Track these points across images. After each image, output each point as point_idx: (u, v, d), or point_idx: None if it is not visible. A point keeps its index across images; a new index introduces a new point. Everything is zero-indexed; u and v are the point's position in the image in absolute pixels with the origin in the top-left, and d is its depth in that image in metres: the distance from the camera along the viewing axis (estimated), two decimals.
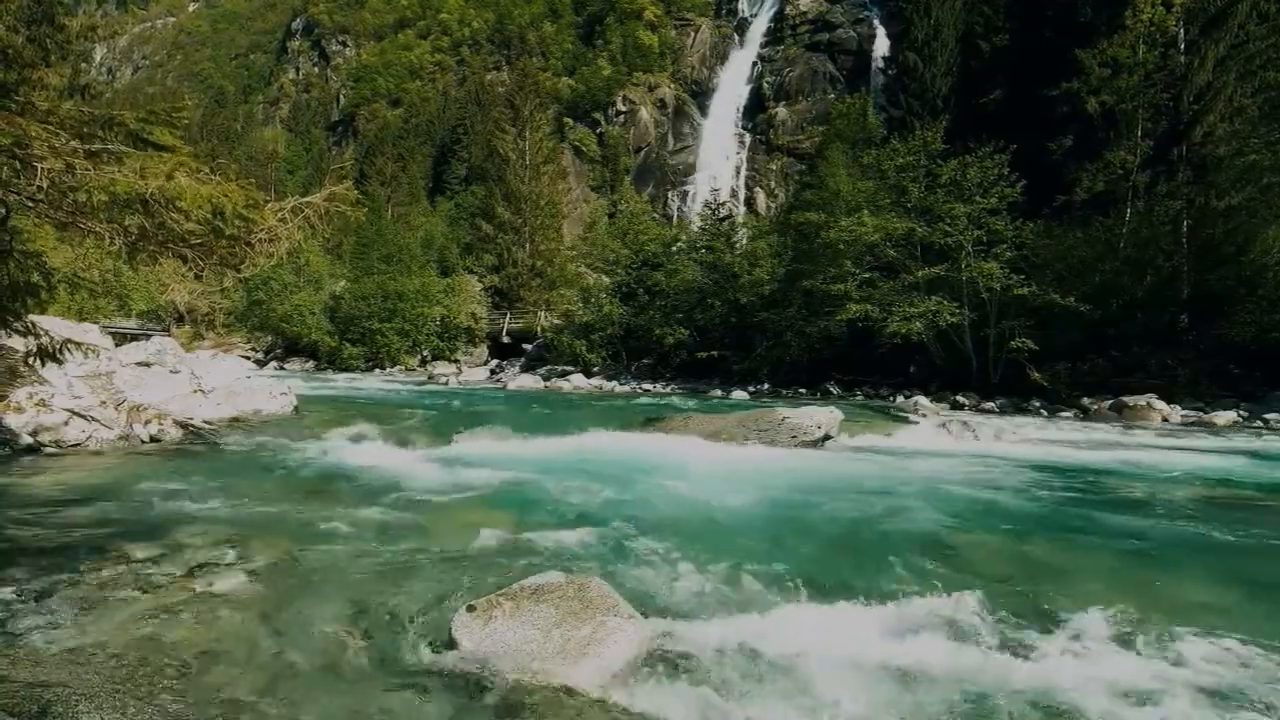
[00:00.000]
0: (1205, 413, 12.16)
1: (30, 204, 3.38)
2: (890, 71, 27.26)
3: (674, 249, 27.18)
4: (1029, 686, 2.37)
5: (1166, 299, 15.38)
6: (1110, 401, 13.05)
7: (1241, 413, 12.00)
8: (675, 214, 54.29)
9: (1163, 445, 8.79)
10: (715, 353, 21.95)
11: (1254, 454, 8.11)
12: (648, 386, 21.76)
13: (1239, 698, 2.32)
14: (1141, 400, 12.53)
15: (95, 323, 17.64)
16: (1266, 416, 11.45)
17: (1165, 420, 11.87)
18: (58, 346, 4.69)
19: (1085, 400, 13.71)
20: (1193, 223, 15.47)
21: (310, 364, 33.18)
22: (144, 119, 3.54)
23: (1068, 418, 12.76)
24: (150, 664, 2.39)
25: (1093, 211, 16.71)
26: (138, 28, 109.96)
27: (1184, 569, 3.84)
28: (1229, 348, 14.04)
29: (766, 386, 19.81)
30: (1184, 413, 12.27)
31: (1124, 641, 2.72)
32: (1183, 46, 16.55)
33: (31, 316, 4.97)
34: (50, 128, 3.18)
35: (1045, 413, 13.49)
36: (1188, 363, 14.26)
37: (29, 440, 6.62)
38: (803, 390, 18.67)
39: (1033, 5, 21.25)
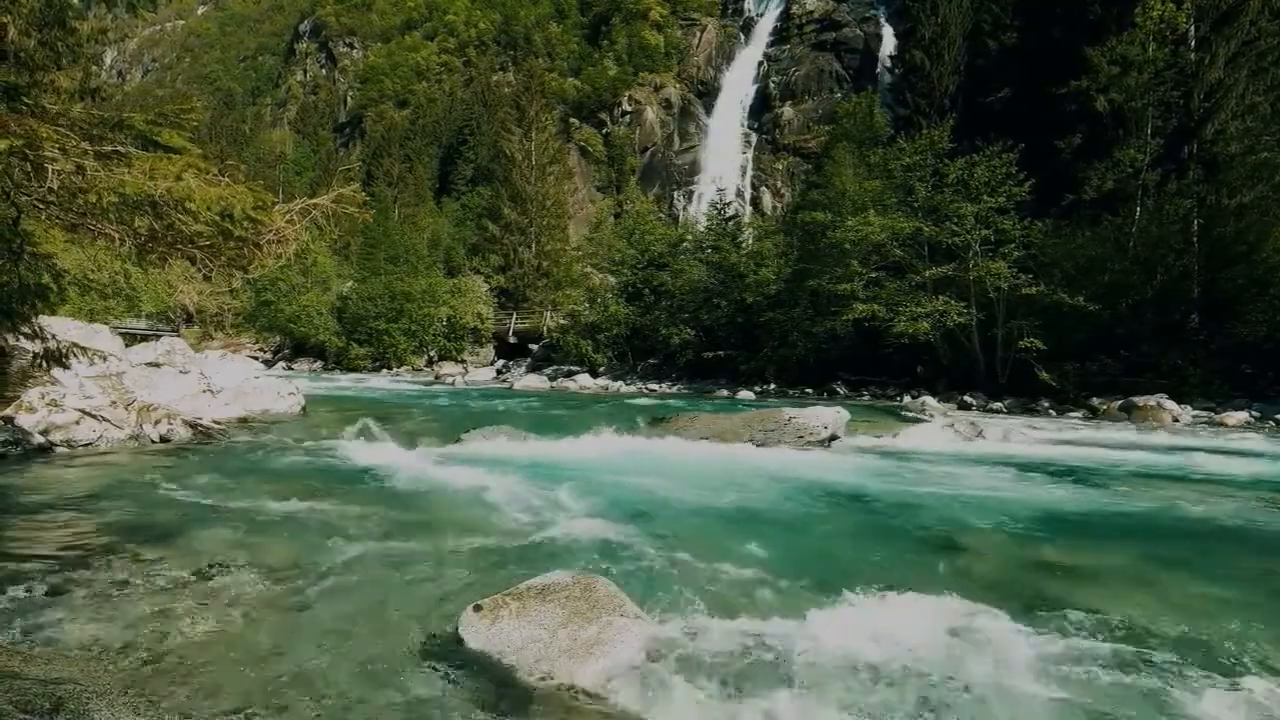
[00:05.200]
0: (1216, 413, 12.05)
1: (41, 205, 3.41)
2: (897, 70, 27.19)
3: (680, 249, 27.17)
4: (1033, 687, 2.35)
5: (1177, 298, 15.27)
6: (1120, 401, 12.95)
7: (1253, 413, 11.88)
8: (681, 214, 54.17)
9: (1173, 446, 8.71)
10: (721, 353, 21.96)
11: (1266, 454, 8.03)
12: (654, 386, 21.76)
13: (1247, 698, 2.30)
14: (1151, 400, 12.43)
15: (105, 324, 17.77)
16: (1278, 417, 11.33)
17: (1176, 420, 11.77)
18: (64, 351, 4.74)
19: (1094, 400, 13.62)
20: (1203, 221, 15.35)
21: (318, 364, 33.36)
22: (153, 121, 3.57)
23: (1076, 418, 12.67)
24: (161, 662, 2.41)
25: (1102, 210, 16.61)
26: (147, 31, 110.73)
27: (1193, 570, 3.80)
28: (1240, 347, 13.92)
29: (772, 386, 19.79)
30: (1194, 413, 12.16)
31: (1132, 643, 2.70)
32: (1193, 44, 16.43)
33: (41, 319, 5.03)
34: (61, 130, 3.20)
35: (1054, 413, 13.40)
36: (1198, 363, 14.14)
37: (40, 440, 6.67)
38: (809, 390, 18.63)
39: (1041, 3, 21.14)
